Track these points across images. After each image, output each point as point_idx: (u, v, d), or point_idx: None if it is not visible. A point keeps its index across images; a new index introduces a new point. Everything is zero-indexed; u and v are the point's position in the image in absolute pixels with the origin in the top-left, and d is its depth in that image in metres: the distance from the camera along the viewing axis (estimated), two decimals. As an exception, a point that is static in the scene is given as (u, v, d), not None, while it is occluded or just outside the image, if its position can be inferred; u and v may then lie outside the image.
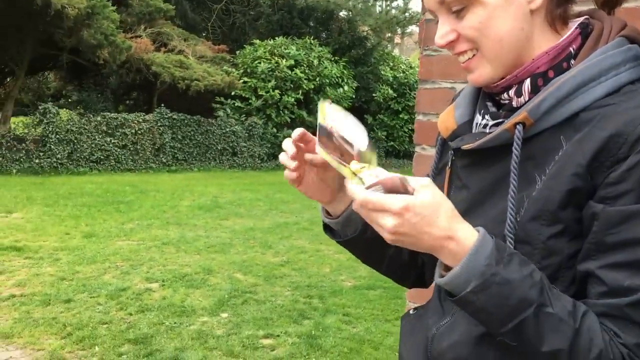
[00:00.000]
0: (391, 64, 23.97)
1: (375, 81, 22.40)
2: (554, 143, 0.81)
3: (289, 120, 18.56)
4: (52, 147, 14.51)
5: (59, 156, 14.63)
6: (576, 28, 0.85)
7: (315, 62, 19.39)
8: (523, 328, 0.74)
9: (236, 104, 18.40)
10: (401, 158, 22.07)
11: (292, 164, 0.95)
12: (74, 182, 12.82)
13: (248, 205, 10.55)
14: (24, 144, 14.26)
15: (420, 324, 0.98)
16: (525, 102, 0.84)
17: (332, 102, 0.93)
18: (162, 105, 16.96)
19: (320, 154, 0.85)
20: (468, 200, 0.91)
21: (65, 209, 9.19)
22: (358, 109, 20.70)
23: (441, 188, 0.98)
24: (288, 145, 0.95)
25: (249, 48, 19.37)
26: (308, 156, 0.95)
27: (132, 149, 16.08)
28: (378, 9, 26.15)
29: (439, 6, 0.85)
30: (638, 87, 0.79)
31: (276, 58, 18.80)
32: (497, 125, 0.87)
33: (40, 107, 14.71)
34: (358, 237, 1.00)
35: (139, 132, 16.15)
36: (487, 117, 0.89)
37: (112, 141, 15.66)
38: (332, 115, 0.90)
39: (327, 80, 19.63)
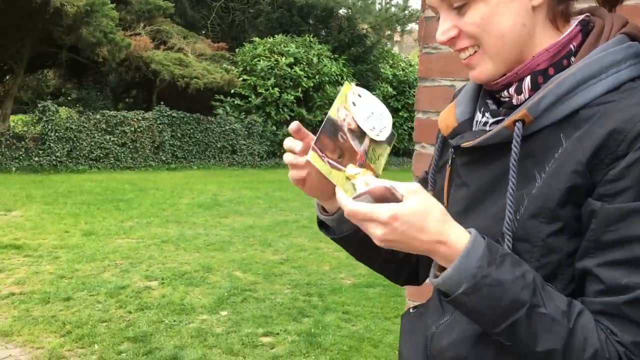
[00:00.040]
0: (391, 61, 23.98)
1: (374, 79, 22.40)
2: (554, 140, 0.80)
3: (288, 118, 18.56)
4: (52, 145, 14.51)
5: (58, 154, 14.62)
6: (577, 25, 0.85)
7: (315, 60, 19.38)
8: (516, 329, 0.74)
9: (235, 102, 18.40)
10: (401, 156, 22.08)
11: (302, 160, 0.92)
12: (73, 180, 12.81)
13: (247, 203, 10.55)
14: (23, 142, 14.25)
15: (420, 322, 0.99)
16: (526, 100, 0.84)
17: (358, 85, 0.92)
18: (162, 103, 16.96)
19: (312, 160, 0.84)
20: (468, 197, 0.91)
21: (65, 207, 9.19)
22: (358, 107, 20.67)
23: (441, 186, 0.98)
24: (292, 142, 0.94)
25: (249, 46, 19.37)
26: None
27: (131, 147, 16.07)
28: (378, 6, 26.12)
29: (440, 2, 0.84)
30: (638, 85, 0.79)
31: (276, 56, 18.80)
32: (497, 122, 0.87)
33: (39, 105, 14.70)
34: (352, 234, 1.00)
35: (139, 130, 16.14)
36: (487, 114, 0.89)
37: (112, 139, 15.66)
38: (355, 100, 0.89)
39: (327, 78, 19.63)
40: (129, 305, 4.76)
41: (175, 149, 17.01)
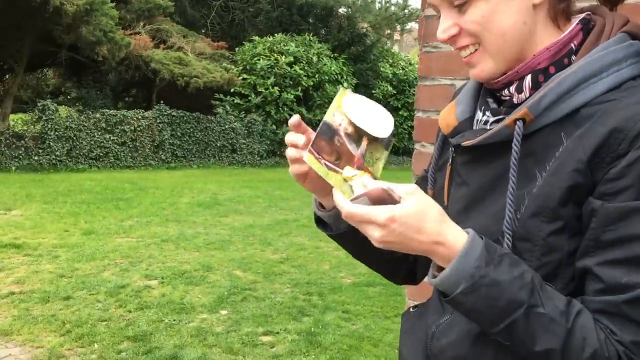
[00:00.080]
0: (390, 60, 23.98)
1: (374, 78, 22.40)
2: (555, 139, 0.80)
3: (288, 117, 18.41)
4: (51, 144, 14.51)
5: (58, 153, 14.62)
6: (578, 24, 0.85)
7: (315, 58, 19.38)
8: (514, 329, 0.74)
9: (235, 101, 18.41)
10: (400, 155, 22.08)
11: (295, 152, 0.92)
12: (73, 179, 12.81)
13: (247, 202, 10.55)
14: (23, 141, 14.25)
15: (421, 321, 0.99)
16: (526, 98, 0.84)
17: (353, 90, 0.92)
18: (161, 102, 16.96)
19: (309, 162, 0.84)
20: (468, 196, 0.90)
21: (65, 206, 9.19)
22: (357, 106, 20.69)
23: (442, 185, 0.97)
24: (295, 136, 0.93)
25: (248, 45, 19.36)
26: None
27: (131, 146, 16.07)
28: (377, 5, 26.10)
29: (441, 1, 0.84)
30: (639, 83, 0.79)
31: (275, 55, 18.80)
32: (497, 121, 0.86)
33: (39, 104, 14.71)
34: (349, 231, 0.99)
35: (138, 129, 16.14)
36: (487, 113, 0.89)
37: (111, 138, 15.65)
38: (349, 105, 0.89)
39: (327, 77, 19.63)
40: (129, 304, 4.76)
41: (175, 148, 17.01)
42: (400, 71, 23.27)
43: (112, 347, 3.91)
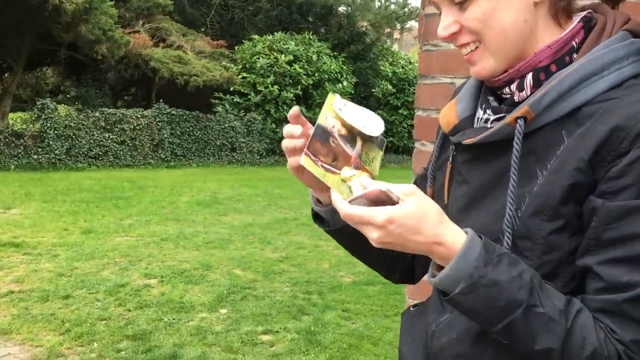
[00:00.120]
0: (390, 59, 23.97)
1: (374, 77, 22.40)
2: (556, 137, 0.80)
3: (287, 115, 18.54)
4: (51, 142, 14.50)
5: (57, 152, 14.61)
6: (579, 22, 0.85)
7: (314, 57, 19.37)
8: (513, 328, 0.75)
9: (235, 100, 18.40)
10: (400, 154, 22.08)
11: (300, 143, 0.91)
12: (72, 178, 12.81)
13: (247, 201, 10.55)
14: (22, 140, 14.24)
15: (421, 320, 0.99)
16: (527, 97, 0.83)
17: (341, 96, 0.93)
18: (161, 100, 16.96)
19: (305, 165, 0.84)
20: (469, 195, 0.90)
21: (64, 205, 9.18)
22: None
23: (442, 183, 0.97)
24: (291, 127, 0.93)
25: (248, 43, 19.35)
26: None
27: (130, 144, 16.07)
28: (377, 4, 26.09)
29: None
30: None
31: (275, 53, 18.79)
32: (498, 119, 0.86)
33: (38, 103, 14.70)
34: (347, 227, 0.99)
35: (138, 127, 16.14)
36: (488, 111, 0.89)
37: (111, 137, 15.65)
38: (339, 108, 0.89)
39: (326, 76, 19.62)
40: (128, 303, 4.76)
41: (174, 146, 17.00)
42: (400, 70, 23.25)
43: (111, 346, 3.91)
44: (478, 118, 0.91)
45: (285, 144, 0.93)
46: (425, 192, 1.01)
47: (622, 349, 0.73)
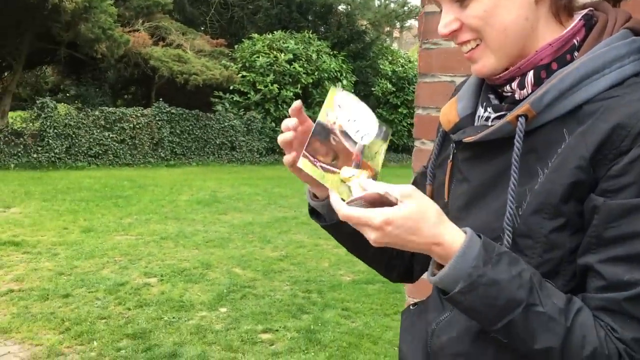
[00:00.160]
0: (390, 58, 23.96)
1: (374, 75, 22.39)
2: (557, 136, 0.80)
3: (287, 114, 18.44)
4: (50, 141, 14.49)
5: (57, 151, 14.61)
6: (580, 20, 0.84)
7: (314, 56, 19.36)
8: (513, 327, 0.75)
9: (235, 99, 18.39)
10: (400, 152, 22.08)
11: (289, 135, 0.91)
12: (72, 176, 12.80)
13: (247, 200, 10.55)
14: (22, 139, 14.24)
15: (421, 318, 0.99)
16: (528, 95, 0.83)
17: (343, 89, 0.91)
18: (161, 99, 16.95)
19: (303, 167, 0.84)
20: (469, 193, 0.90)
21: (64, 204, 9.18)
22: (357, 104, 20.77)
23: (442, 181, 0.97)
24: (289, 121, 0.93)
25: (248, 42, 19.34)
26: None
27: (130, 143, 16.06)
28: (377, 2, 26.10)
29: None
30: None
31: (275, 52, 18.78)
32: (499, 118, 0.86)
33: (38, 102, 14.68)
34: (343, 223, 0.99)
35: (137, 126, 16.13)
36: (489, 109, 0.88)
37: (110, 136, 15.64)
38: (341, 103, 0.89)
39: (326, 75, 19.61)
40: (128, 302, 4.76)
41: (174, 145, 17.00)
42: (400, 68, 23.25)
43: (111, 344, 3.91)
44: (479, 116, 0.91)
45: (281, 137, 0.92)
46: (425, 190, 1.01)
47: (623, 347, 0.73)
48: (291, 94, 18.61)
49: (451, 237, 0.77)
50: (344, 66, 20.52)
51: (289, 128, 0.92)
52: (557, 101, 0.79)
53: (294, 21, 21.68)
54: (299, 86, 18.83)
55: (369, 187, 0.79)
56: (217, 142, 17.83)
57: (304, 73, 18.89)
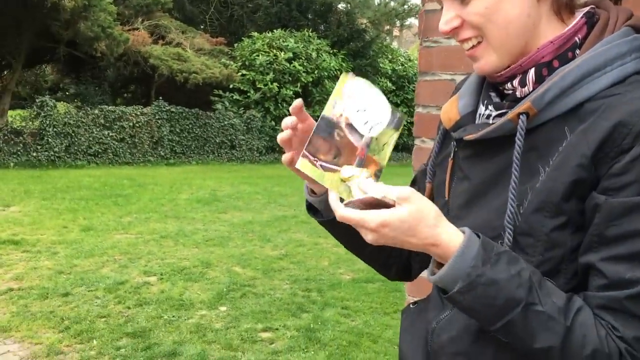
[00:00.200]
0: (390, 56, 23.96)
1: (373, 74, 22.37)
2: (558, 134, 0.79)
3: (287, 113, 18.35)
4: (50, 140, 14.48)
5: (56, 149, 14.60)
6: (582, 17, 0.84)
7: (314, 54, 19.35)
8: (512, 327, 0.75)
9: (234, 97, 18.38)
10: (400, 151, 22.07)
11: (286, 134, 0.91)
12: (71, 175, 12.80)
13: (246, 199, 10.54)
14: (21, 137, 14.22)
15: (421, 317, 0.98)
16: (530, 92, 0.83)
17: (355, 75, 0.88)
18: (160, 98, 16.93)
19: (302, 168, 0.84)
20: (470, 191, 0.90)
21: (63, 203, 9.17)
22: (356, 102, 20.79)
23: (442, 179, 0.96)
24: (289, 119, 0.91)
25: (247, 41, 19.32)
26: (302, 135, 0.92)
27: (130, 142, 16.05)
28: (377, 1, 26.09)
29: None
30: None
31: (274, 51, 18.76)
32: (500, 115, 0.85)
33: (37, 100, 14.67)
34: None
35: (137, 125, 16.12)
36: (490, 107, 0.88)
37: (110, 134, 15.63)
38: (350, 92, 0.87)
39: (326, 73, 19.60)
40: (128, 300, 4.76)
41: (174, 144, 16.99)
42: (400, 67, 23.25)
43: (111, 343, 3.90)
44: (480, 114, 0.90)
45: (280, 136, 0.92)
46: (425, 188, 1.01)
47: (624, 346, 0.73)
48: (291, 92, 18.59)
49: (449, 238, 0.77)
50: (343, 65, 20.51)
51: (288, 126, 0.91)
52: (558, 99, 0.79)
53: (293, 20, 21.66)
54: (298, 85, 18.82)
55: (368, 190, 0.79)
56: (217, 141, 17.82)
57: (303, 72, 18.88)
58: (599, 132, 0.75)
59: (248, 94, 18.45)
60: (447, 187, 0.95)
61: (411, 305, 1.05)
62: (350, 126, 0.86)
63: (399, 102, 22.43)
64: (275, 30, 19.68)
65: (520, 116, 0.80)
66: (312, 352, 3.90)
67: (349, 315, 4.67)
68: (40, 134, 14.43)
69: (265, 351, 3.90)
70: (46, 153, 14.44)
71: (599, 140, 0.75)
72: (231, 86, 18.18)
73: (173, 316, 4.45)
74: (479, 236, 0.77)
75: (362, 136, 0.87)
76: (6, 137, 14.01)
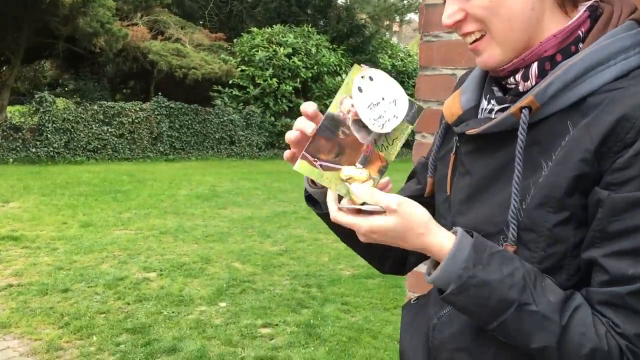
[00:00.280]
0: (389, 52, 23.90)
1: (373, 69, 22.28)
2: (561, 128, 0.79)
3: (286, 108, 18.51)
4: (49, 136, 14.45)
5: (55, 145, 14.57)
6: (585, 11, 0.83)
7: (313, 50, 19.30)
8: (507, 327, 0.75)
9: (234, 93, 18.34)
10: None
11: (296, 135, 0.86)
12: (71, 171, 12.78)
13: (246, 194, 10.54)
14: (20, 133, 14.20)
15: (422, 313, 0.98)
16: (532, 87, 0.82)
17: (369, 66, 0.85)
18: (159, 93, 16.90)
19: (300, 170, 0.84)
20: (472, 186, 0.89)
21: (63, 199, 9.17)
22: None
23: (444, 174, 0.96)
24: (304, 123, 0.86)
25: (247, 36, 19.27)
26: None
27: (129, 138, 16.03)
28: (376, -4, 25.99)
29: None
30: None
31: (274, 46, 18.71)
32: (502, 110, 0.85)
33: (36, 96, 14.63)
34: None
35: (136, 121, 16.09)
36: (492, 102, 0.88)
37: (109, 130, 15.60)
38: (363, 85, 0.84)
39: (325, 69, 19.56)
40: (128, 296, 4.75)
41: (173, 140, 16.96)
42: (399, 62, 23.20)
43: (110, 339, 3.90)
44: (482, 109, 0.90)
45: (290, 135, 0.87)
46: (426, 182, 1.00)
47: (625, 343, 0.72)
48: (290, 88, 18.56)
49: (440, 243, 0.78)
50: (343, 60, 20.46)
51: (300, 130, 0.86)
52: (561, 93, 0.78)
53: (293, 15, 21.60)
54: (298, 80, 18.77)
55: (360, 196, 0.81)
56: (217, 137, 17.79)
57: (303, 67, 18.83)
58: (602, 127, 0.74)
59: (247, 90, 18.41)
60: (449, 182, 0.95)
61: (412, 301, 1.05)
62: (357, 122, 0.84)
63: (398, 97, 22.39)
64: (274, 26, 19.63)
65: (523, 110, 0.79)
66: (312, 348, 3.90)
67: (349, 311, 4.67)
68: (40, 129, 14.41)
69: (265, 347, 3.90)
70: (45, 149, 14.42)
71: (602, 135, 0.74)
72: (230, 82, 18.14)
73: (173, 312, 4.45)
74: (472, 236, 0.78)
75: (370, 133, 0.85)
76: (5, 133, 13.99)
